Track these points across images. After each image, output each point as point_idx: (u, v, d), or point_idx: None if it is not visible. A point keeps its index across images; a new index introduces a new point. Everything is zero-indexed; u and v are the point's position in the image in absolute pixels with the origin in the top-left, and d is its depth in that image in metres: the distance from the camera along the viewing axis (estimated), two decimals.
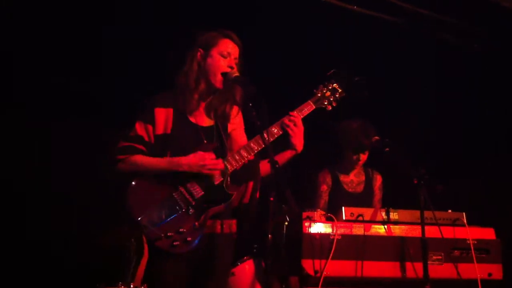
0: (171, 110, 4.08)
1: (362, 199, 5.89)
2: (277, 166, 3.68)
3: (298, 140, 4.18)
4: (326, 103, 4.38)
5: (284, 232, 4.67)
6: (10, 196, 5.75)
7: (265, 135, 3.82)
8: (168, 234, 3.81)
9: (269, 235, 3.78)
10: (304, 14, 6.30)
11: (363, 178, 5.99)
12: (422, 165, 4.73)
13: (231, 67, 4.12)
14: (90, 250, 5.69)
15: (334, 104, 4.40)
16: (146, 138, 4.02)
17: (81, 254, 5.75)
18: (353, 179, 5.96)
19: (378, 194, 6.00)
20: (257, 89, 3.86)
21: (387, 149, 5.08)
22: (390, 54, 6.80)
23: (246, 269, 5.05)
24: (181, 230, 3.84)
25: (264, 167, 4.22)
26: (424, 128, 7.33)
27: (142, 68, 5.95)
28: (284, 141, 4.24)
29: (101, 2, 5.78)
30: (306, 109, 4.29)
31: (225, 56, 4.13)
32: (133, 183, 3.92)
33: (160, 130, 4.04)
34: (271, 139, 4.12)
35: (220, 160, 3.98)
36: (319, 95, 4.37)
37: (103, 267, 5.36)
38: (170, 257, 3.85)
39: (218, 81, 4.12)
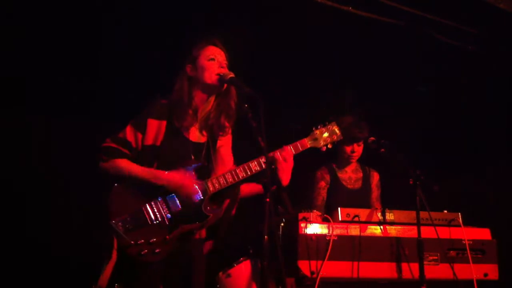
0: (164, 123, 4.12)
1: (361, 195, 5.95)
2: (273, 167, 3.69)
3: (285, 175, 4.16)
4: (322, 144, 4.38)
5: (280, 233, 4.69)
6: (10, 196, 5.78)
7: (261, 140, 3.80)
8: (138, 242, 3.83)
9: (265, 236, 3.78)
10: (302, 16, 6.30)
11: (360, 175, 6.03)
12: (418, 165, 4.74)
13: (223, 67, 4.16)
14: (89, 250, 5.71)
15: (329, 147, 4.42)
16: (134, 145, 4.07)
17: (81, 254, 5.77)
18: (351, 176, 5.99)
19: (375, 191, 6.03)
20: (253, 90, 3.87)
21: (383, 149, 5.10)
22: (387, 55, 6.80)
23: (242, 270, 5.04)
24: (151, 241, 3.86)
25: (247, 188, 4.28)
26: (420, 128, 7.34)
27: (142, 68, 5.97)
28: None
29: (102, 2, 5.79)
30: (300, 147, 4.30)
31: (212, 59, 4.17)
32: (116, 185, 3.96)
33: (149, 141, 4.08)
34: (259, 169, 4.12)
35: (197, 188, 3.99)
36: (317, 132, 4.37)
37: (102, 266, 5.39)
38: (141, 263, 3.88)
39: (215, 80, 4.14)
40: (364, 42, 6.63)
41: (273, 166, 4.01)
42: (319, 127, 4.41)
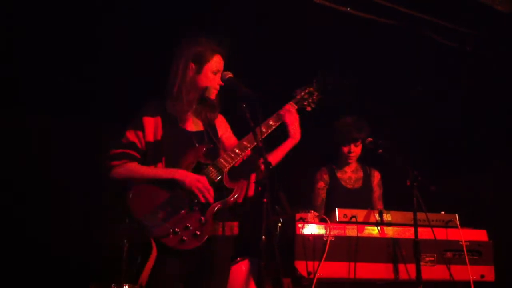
0: (159, 118, 4.15)
1: (362, 194, 5.93)
2: (271, 167, 3.70)
3: (295, 128, 4.37)
4: (306, 104, 4.57)
5: (278, 233, 4.70)
6: (10, 196, 5.79)
7: (257, 133, 3.85)
8: (176, 230, 3.86)
9: (263, 236, 3.79)
10: (302, 16, 6.31)
11: (361, 174, 6.02)
12: (416, 166, 4.74)
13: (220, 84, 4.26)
14: (89, 250, 5.73)
15: (313, 106, 4.61)
16: (139, 145, 4.09)
17: (80, 253, 5.78)
18: (351, 176, 5.98)
19: (377, 191, 6.00)
20: (250, 91, 3.89)
21: (380, 150, 5.11)
22: (385, 55, 6.80)
23: (239, 270, 5.07)
24: (188, 225, 3.89)
25: (274, 156, 4.36)
26: (420, 128, 7.34)
27: (142, 68, 5.98)
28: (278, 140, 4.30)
29: (102, 2, 5.80)
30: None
31: (215, 73, 4.24)
32: (135, 185, 3.97)
33: (150, 137, 4.10)
34: (269, 131, 4.27)
35: (210, 189, 4.01)
36: (298, 97, 4.57)
37: (101, 266, 5.42)
38: (173, 256, 3.89)
39: (212, 94, 4.25)
40: (364, 43, 6.63)
41: (270, 166, 3.98)
42: (296, 91, 4.63)
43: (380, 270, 4.61)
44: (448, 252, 4.79)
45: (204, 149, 4.11)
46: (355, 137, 5.81)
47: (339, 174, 5.96)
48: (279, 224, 4.74)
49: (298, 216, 4.64)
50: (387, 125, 6.65)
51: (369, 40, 6.66)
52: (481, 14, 6.50)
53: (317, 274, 4.42)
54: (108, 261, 5.30)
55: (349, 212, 4.76)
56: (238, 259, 5.15)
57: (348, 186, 5.92)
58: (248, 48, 5.92)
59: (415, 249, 4.52)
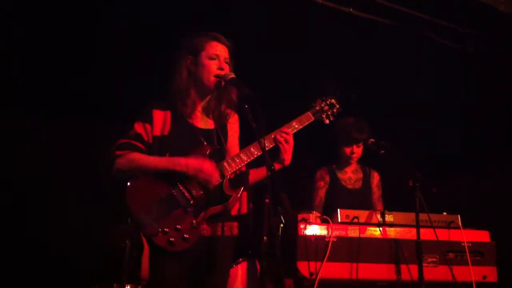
0: (169, 113, 4.10)
1: (362, 195, 5.91)
2: (272, 168, 3.69)
3: (287, 156, 4.22)
4: (324, 116, 4.50)
5: (280, 234, 4.70)
6: (10, 196, 5.79)
7: (262, 140, 3.81)
8: (165, 230, 3.80)
9: (265, 237, 3.79)
10: (302, 16, 6.31)
11: (360, 175, 6.00)
12: (417, 166, 4.74)
13: (221, 69, 4.13)
14: (89, 250, 5.72)
15: (331, 119, 4.54)
16: (145, 137, 4.03)
17: (81, 254, 5.78)
18: (351, 176, 5.96)
19: (376, 192, 6.00)
20: (253, 91, 3.87)
21: (382, 151, 5.10)
22: (386, 56, 6.80)
23: (241, 270, 5.06)
24: (178, 227, 3.83)
25: (254, 174, 4.28)
26: (420, 128, 7.34)
27: (142, 68, 5.97)
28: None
29: (102, 2, 5.80)
30: (305, 120, 4.37)
31: (213, 58, 4.14)
32: (133, 179, 3.92)
33: (157, 132, 4.05)
34: (271, 146, 4.17)
35: (217, 171, 3.97)
36: (317, 108, 4.48)
37: (101, 266, 5.41)
38: (168, 255, 3.85)
39: (211, 82, 4.13)
40: (364, 43, 6.63)
41: (272, 167, 3.97)
42: (317, 101, 4.53)
43: (382, 271, 4.58)
44: (450, 253, 4.77)
45: (210, 149, 4.05)
46: (356, 138, 5.80)
47: (339, 175, 5.96)
48: (281, 225, 4.73)
49: (300, 216, 4.62)
50: (387, 125, 6.65)
51: (369, 40, 6.66)
52: (482, 14, 6.51)
53: (319, 275, 4.39)
54: (109, 261, 5.30)
55: (351, 213, 4.75)
56: (240, 259, 5.14)
57: (348, 186, 5.92)
58: (248, 48, 5.90)
59: (417, 250, 4.49)
